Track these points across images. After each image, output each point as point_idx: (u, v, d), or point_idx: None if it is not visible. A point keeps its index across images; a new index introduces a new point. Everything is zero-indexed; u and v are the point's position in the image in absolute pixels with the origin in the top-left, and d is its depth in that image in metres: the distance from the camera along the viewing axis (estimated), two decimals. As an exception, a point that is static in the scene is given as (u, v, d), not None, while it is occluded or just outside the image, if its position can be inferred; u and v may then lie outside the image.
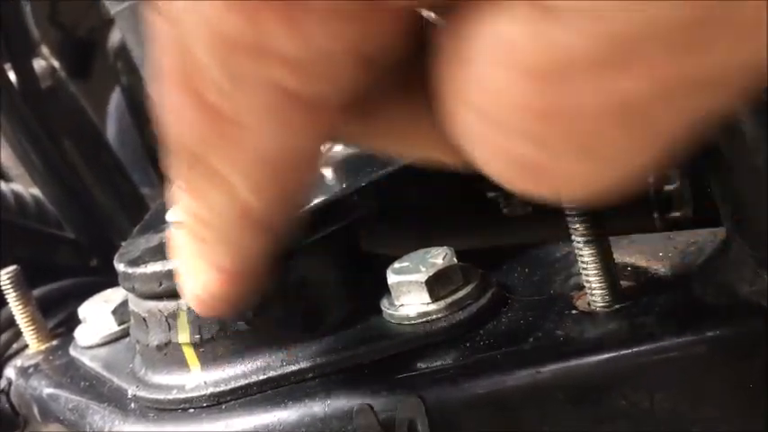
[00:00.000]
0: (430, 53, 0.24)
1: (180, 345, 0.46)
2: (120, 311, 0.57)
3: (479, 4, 0.21)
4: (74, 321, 0.61)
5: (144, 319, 0.48)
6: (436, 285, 0.44)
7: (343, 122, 0.27)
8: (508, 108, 0.21)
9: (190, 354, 0.46)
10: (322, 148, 0.28)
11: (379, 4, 0.22)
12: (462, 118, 0.23)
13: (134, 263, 0.47)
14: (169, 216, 0.49)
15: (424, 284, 0.43)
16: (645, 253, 0.45)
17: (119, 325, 0.57)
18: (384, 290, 0.46)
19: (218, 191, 0.27)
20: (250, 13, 0.22)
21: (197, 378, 0.46)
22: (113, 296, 0.59)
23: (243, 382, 0.45)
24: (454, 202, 0.62)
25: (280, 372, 0.45)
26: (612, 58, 0.19)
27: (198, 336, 0.45)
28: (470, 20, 0.21)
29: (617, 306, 0.41)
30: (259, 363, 0.45)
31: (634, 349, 0.38)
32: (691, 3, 0.18)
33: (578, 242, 0.40)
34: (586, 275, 0.41)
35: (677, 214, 0.57)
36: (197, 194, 0.28)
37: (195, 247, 0.31)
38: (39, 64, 0.82)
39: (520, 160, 0.22)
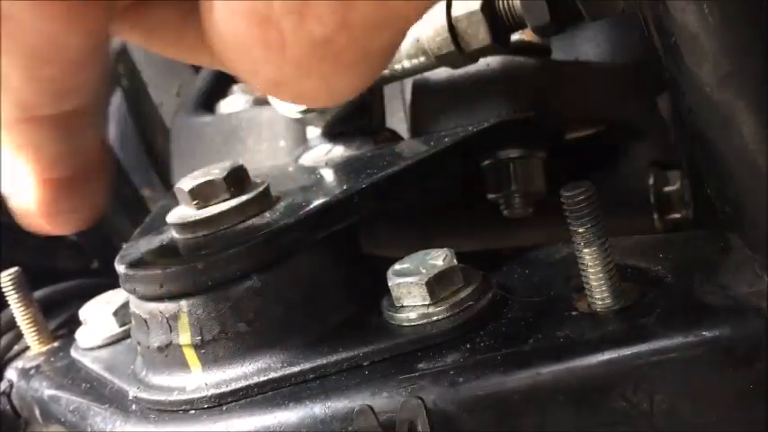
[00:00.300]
0: None
1: (181, 346, 0.46)
2: (122, 313, 0.57)
3: None
4: (75, 323, 0.61)
5: (145, 321, 0.48)
6: (437, 287, 0.44)
7: (112, 20, 0.29)
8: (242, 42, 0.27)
9: (191, 355, 0.46)
10: (104, 47, 0.30)
11: None
12: (224, 39, 0.28)
13: (135, 265, 0.48)
14: (170, 218, 0.49)
15: (424, 286, 0.43)
16: (645, 254, 0.45)
17: (120, 326, 0.57)
18: (384, 291, 0.46)
19: None
20: None
21: (198, 379, 0.46)
22: (114, 298, 0.59)
23: (243, 383, 0.45)
24: (454, 204, 0.62)
25: (280, 373, 0.45)
26: (293, 9, 0.26)
27: (199, 337, 0.45)
28: None
29: (617, 307, 0.41)
30: (260, 364, 0.45)
31: (634, 350, 0.38)
32: None
33: (578, 244, 0.40)
34: (586, 277, 0.41)
35: (677, 216, 0.57)
36: None
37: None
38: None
39: (266, 78, 0.28)
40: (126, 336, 0.56)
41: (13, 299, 0.62)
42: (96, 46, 0.29)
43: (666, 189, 0.58)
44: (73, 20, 0.27)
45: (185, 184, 0.48)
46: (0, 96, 0.29)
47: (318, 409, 0.43)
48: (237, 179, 0.48)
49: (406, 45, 0.54)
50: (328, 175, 0.53)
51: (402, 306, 0.45)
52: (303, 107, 0.54)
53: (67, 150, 0.33)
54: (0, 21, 0.27)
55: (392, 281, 0.45)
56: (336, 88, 0.29)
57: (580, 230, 0.40)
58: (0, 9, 0.26)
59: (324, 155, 0.58)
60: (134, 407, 0.49)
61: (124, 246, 0.53)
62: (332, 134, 0.58)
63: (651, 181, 0.58)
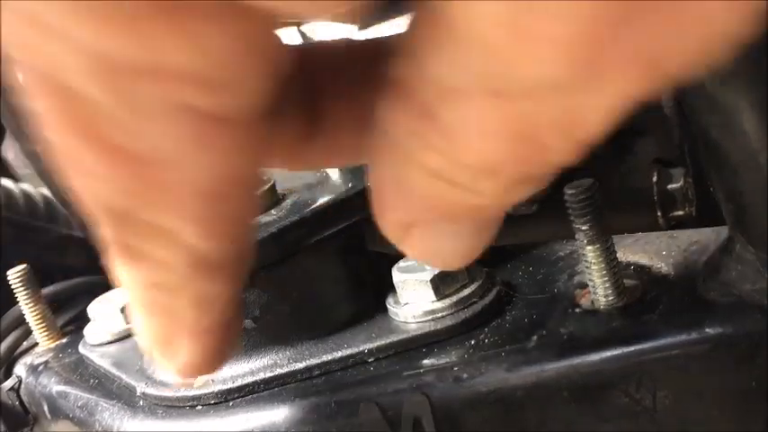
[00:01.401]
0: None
1: (188, 343, 0.47)
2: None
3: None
4: (83, 319, 0.62)
5: (152, 318, 0.48)
6: (441, 284, 0.44)
7: (267, 137, 0.25)
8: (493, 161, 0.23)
9: (198, 351, 0.47)
10: (257, 168, 0.25)
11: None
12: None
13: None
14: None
15: (429, 283, 0.44)
16: (648, 251, 0.45)
17: (128, 323, 0.58)
18: (389, 288, 0.46)
19: (160, 246, 0.24)
20: (129, 25, 0.18)
21: (205, 375, 0.47)
22: (122, 295, 0.59)
23: (250, 379, 0.46)
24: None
25: (286, 369, 0.45)
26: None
27: (206, 334, 0.46)
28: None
29: (620, 304, 0.41)
30: (266, 360, 0.46)
31: (637, 347, 0.38)
32: None
33: (582, 241, 0.40)
34: (590, 274, 0.41)
35: (680, 213, 0.57)
36: (138, 259, 0.24)
37: (163, 321, 0.27)
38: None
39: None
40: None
41: (22, 295, 0.62)
42: (253, 168, 0.25)
43: (670, 186, 0.58)
44: (232, 143, 0.22)
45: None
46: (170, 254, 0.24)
47: (324, 404, 0.43)
48: (244, 177, 0.48)
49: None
50: (334, 173, 0.53)
51: (407, 303, 0.45)
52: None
53: (230, 294, 0.28)
54: (160, 164, 0.21)
55: (397, 277, 0.45)
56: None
57: (583, 228, 0.40)
58: (145, 158, 0.21)
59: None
60: (141, 403, 0.50)
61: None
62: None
63: (654, 178, 0.58)
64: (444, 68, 0.22)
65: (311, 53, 0.29)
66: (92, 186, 0.23)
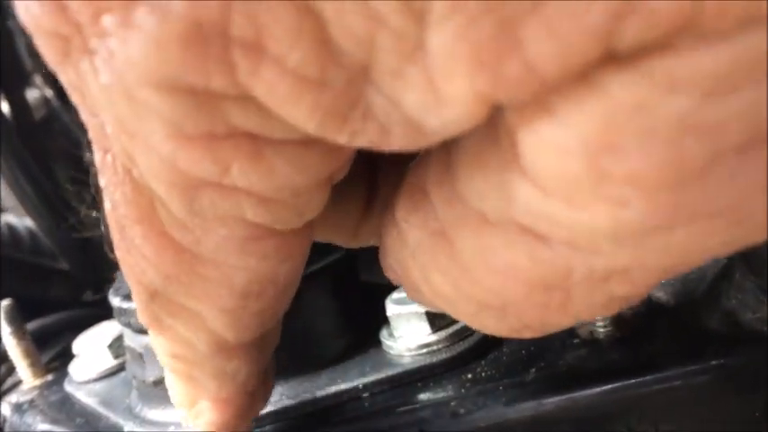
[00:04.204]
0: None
1: (177, 380, 0.46)
2: (116, 345, 0.57)
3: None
4: (68, 355, 0.61)
5: (140, 355, 0.47)
6: (436, 316, 0.43)
7: (309, 242, 0.27)
8: (503, 301, 0.23)
9: (187, 389, 0.46)
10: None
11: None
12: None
13: (129, 297, 0.47)
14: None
15: (423, 315, 0.43)
16: (646, 280, 0.44)
17: (114, 359, 0.57)
18: (383, 321, 0.45)
19: (185, 325, 0.26)
20: (214, 152, 0.20)
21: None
22: (108, 330, 0.58)
23: (241, 417, 0.44)
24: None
25: (278, 406, 0.44)
26: (601, 278, 0.21)
27: (195, 371, 0.45)
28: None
29: (619, 335, 0.40)
30: (257, 397, 0.45)
31: (638, 379, 0.38)
32: None
33: (579, 271, 0.40)
34: (588, 304, 0.40)
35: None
36: (164, 330, 0.27)
37: (188, 386, 0.30)
38: (32, 94, 0.82)
39: (508, 323, 0.24)
40: (121, 369, 0.56)
41: (6, 331, 0.61)
42: (299, 269, 0.27)
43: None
44: (276, 251, 0.24)
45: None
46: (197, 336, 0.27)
47: (318, 442, 0.42)
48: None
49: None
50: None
51: (401, 336, 0.44)
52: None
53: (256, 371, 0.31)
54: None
55: (391, 310, 0.44)
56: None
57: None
58: (194, 253, 0.23)
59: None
60: (129, 442, 0.48)
61: (118, 277, 0.53)
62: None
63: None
64: (477, 191, 0.21)
65: None
66: (139, 264, 0.25)
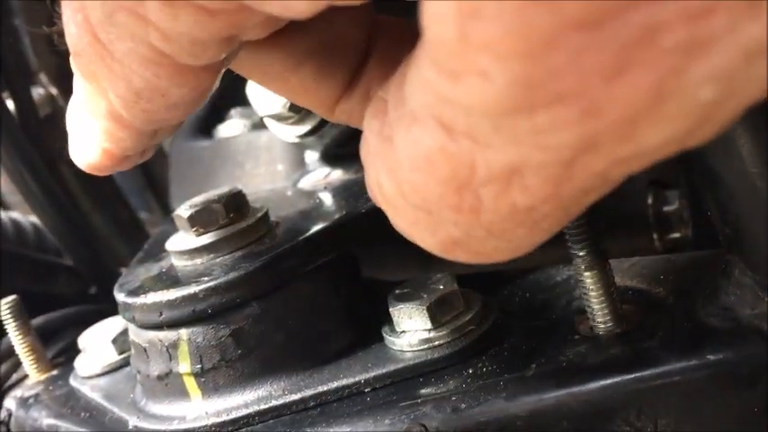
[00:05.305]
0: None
1: (181, 375, 0.46)
2: (121, 340, 0.57)
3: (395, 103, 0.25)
4: (73, 350, 0.61)
5: (144, 350, 0.47)
6: (438, 311, 0.43)
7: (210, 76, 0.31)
8: (427, 201, 0.25)
9: (191, 383, 0.46)
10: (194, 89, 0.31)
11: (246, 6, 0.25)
12: (390, 192, 0.27)
13: (134, 293, 0.47)
14: (169, 245, 0.49)
15: (425, 311, 0.43)
16: (646, 276, 0.45)
17: (119, 354, 0.57)
18: (385, 316, 0.46)
19: (94, 88, 0.32)
20: None
21: (198, 408, 0.46)
22: (113, 325, 0.59)
23: (244, 411, 0.45)
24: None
25: (281, 401, 0.45)
26: (499, 178, 0.23)
27: (199, 365, 0.45)
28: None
29: (619, 331, 0.40)
30: (260, 392, 0.45)
31: (637, 375, 0.38)
32: None
33: (579, 267, 0.40)
34: (588, 300, 0.41)
35: (677, 235, 0.57)
36: (88, 80, 0.33)
37: (83, 123, 0.35)
38: (37, 92, 0.83)
39: (444, 239, 0.27)
40: (125, 363, 0.56)
41: (11, 327, 0.61)
42: (196, 98, 0.32)
43: (666, 209, 0.58)
44: (170, 74, 0.29)
45: (184, 210, 0.47)
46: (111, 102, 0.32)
47: (320, 437, 0.42)
48: (236, 205, 0.48)
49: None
50: (327, 200, 0.53)
51: (403, 331, 0.44)
52: (303, 131, 0.54)
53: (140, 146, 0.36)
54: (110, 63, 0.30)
55: (393, 306, 0.44)
56: (522, 247, 0.27)
57: (581, 254, 0.40)
58: (106, 48, 0.29)
59: (322, 179, 0.58)
60: (134, 436, 0.49)
61: (123, 273, 0.53)
62: (330, 158, 0.58)
63: (650, 200, 0.58)
64: (410, 91, 0.24)
65: (384, 20, 0.33)
66: (73, 35, 0.31)
